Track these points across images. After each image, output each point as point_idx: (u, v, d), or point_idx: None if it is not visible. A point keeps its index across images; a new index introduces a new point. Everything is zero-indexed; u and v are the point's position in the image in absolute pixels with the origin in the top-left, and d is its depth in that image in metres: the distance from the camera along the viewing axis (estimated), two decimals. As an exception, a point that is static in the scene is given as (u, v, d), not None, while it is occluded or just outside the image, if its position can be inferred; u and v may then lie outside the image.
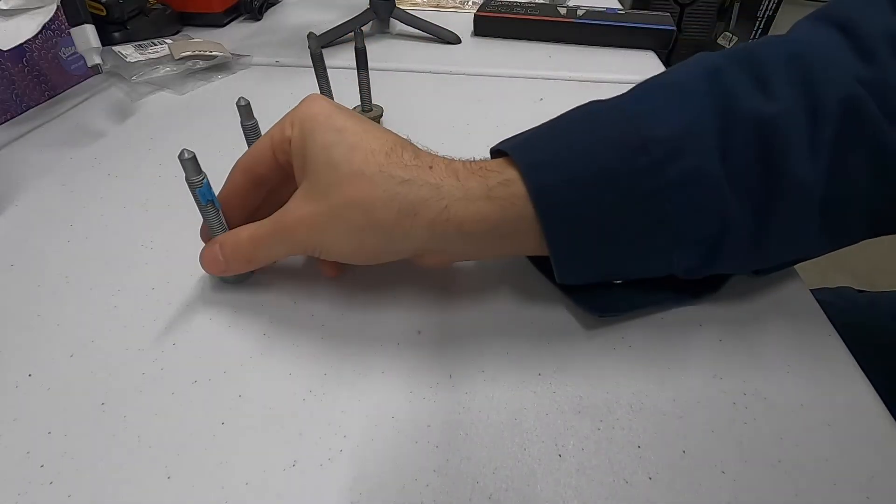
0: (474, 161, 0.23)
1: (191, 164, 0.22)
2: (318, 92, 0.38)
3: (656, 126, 0.21)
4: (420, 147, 0.24)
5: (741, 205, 0.21)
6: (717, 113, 0.21)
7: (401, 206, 0.21)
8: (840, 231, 0.23)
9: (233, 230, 0.25)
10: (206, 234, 0.26)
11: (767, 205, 0.21)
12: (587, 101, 0.24)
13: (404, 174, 0.21)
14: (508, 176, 0.22)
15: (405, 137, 0.24)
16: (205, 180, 0.23)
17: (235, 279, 0.27)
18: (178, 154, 0.22)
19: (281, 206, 0.24)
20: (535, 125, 0.24)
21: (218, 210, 0.24)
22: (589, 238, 0.22)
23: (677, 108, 0.22)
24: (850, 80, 0.21)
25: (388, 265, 0.27)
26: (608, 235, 0.22)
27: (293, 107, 0.24)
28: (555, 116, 0.24)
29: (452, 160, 0.23)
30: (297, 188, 0.23)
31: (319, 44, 0.36)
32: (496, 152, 0.24)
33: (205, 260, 0.25)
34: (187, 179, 0.23)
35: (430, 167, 0.22)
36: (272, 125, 0.25)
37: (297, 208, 0.23)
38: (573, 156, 0.21)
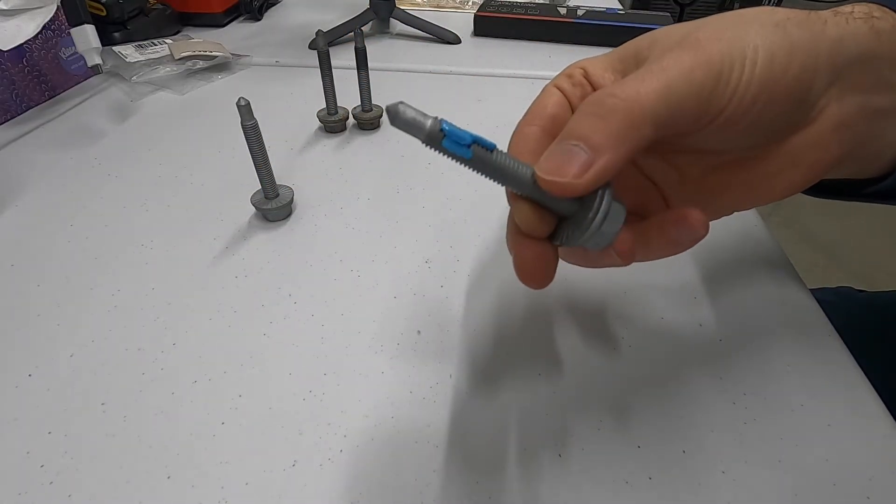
0: None
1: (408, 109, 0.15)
2: (322, 90, 0.38)
3: None
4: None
5: None
6: None
7: (795, 11, 0.17)
8: None
9: (584, 102, 0.16)
10: (513, 194, 0.17)
11: None
12: None
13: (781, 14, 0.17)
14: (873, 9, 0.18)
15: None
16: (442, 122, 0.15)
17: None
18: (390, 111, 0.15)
19: None
20: None
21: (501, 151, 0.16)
22: None
23: None
24: None
25: (394, 266, 0.27)
26: None
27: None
28: None
29: None
30: None
31: (327, 41, 0.36)
32: None
33: (549, 170, 0.15)
34: (424, 123, 0.15)
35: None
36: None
37: (678, 56, 0.16)
38: None
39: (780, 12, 0.17)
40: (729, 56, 0.16)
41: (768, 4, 1.81)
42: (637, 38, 0.19)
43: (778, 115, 0.17)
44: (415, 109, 0.15)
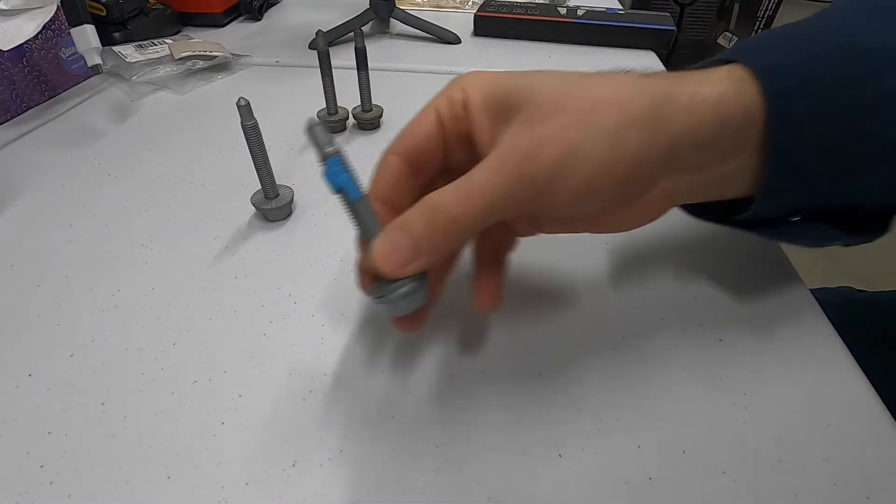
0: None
1: (321, 131, 0.18)
2: (322, 89, 0.38)
3: (870, 38, 0.19)
4: None
5: None
6: None
7: (653, 96, 0.19)
8: None
9: (418, 203, 0.18)
10: (362, 242, 0.20)
11: None
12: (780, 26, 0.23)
13: (641, 76, 0.20)
14: (739, 75, 0.20)
15: None
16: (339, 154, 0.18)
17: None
18: (306, 126, 0.18)
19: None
20: None
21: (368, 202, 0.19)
22: (810, 149, 0.20)
23: (886, 23, 0.20)
24: None
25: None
26: (826, 148, 0.20)
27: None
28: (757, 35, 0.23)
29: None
30: (458, 174, 0.19)
31: (327, 41, 0.36)
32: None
33: (381, 253, 0.18)
34: (321, 152, 0.18)
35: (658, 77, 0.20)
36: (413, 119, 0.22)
37: (525, 136, 0.18)
38: (804, 60, 0.20)
39: (630, 108, 0.19)
40: (558, 166, 0.18)
41: (767, 6, 1.81)
42: (519, 80, 0.20)
43: (606, 201, 0.20)
44: (328, 136, 0.18)
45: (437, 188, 0.19)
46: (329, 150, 0.18)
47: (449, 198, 0.18)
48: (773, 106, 0.19)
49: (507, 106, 0.20)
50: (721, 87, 0.19)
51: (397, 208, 0.20)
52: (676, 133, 0.19)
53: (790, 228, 0.23)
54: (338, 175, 0.18)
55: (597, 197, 0.19)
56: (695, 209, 0.25)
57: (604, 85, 0.19)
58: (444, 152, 0.22)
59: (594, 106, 0.19)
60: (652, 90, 0.19)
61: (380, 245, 0.18)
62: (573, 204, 0.19)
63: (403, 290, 0.19)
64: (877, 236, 0.23)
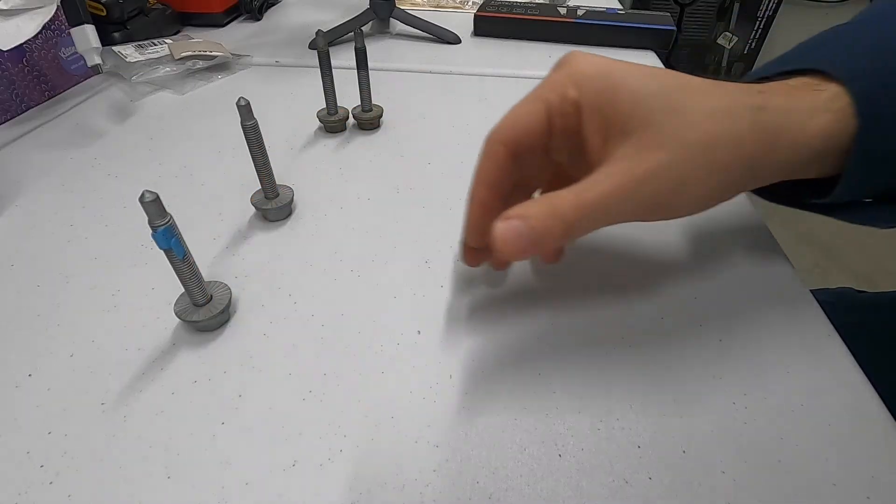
0: (783, 81, 0.22)
1: (154, 206, 0.21)
2: (322, 90, 0.38)
3: None
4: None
5: None
6: None
7: (763, 134, 0.20)
8: None
9: (538, 199, 0.20)
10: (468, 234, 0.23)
11: None
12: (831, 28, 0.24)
13: (756, 101, 0.20)
14: (832, 90, 0.21)
15: None
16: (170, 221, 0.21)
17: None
18: (140, 198, 0.20)
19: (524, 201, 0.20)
20: None
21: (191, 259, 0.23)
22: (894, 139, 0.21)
23: None
24: None
25: (394, 266, 0.27)
26: None
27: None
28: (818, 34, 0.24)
29: (766, 83, 0.22)
30: (557, 167, 0.22)
31: (327, 41, 0.36)
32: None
33: (504, 239, 0.19)
34: (152, 223, 0.21)
35: (760, 91, 0.21)
36: (531, 92, 0.22)
37: (641, 161, 0.19)
38: (882, 59, 0.21)
39: (745, 148, 0.20)
40: (672, 194, 0.20)
41: (767, 6, 1.81)
42: (633, 93, 0.20)
43: (703, 210, 0.22)
44: (157, 206, 0.21)
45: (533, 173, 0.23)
46: (159, 222, 0.21)
47: (568, 205, 0.19)
48: (864, 122, 0.20)
49: (620, 121, 0.20)
50: (824, 121, 0.20)
51: (500, 193, 0.22)
52: (779, 165, 0.21)
53: (865, 210, 0.24)
54: (168, 240, 0.21)
55: (699, 210, 0.22)
56: (765, 192, 0.26)
57: (719, 114, 0.20)
58: (547, 146, 0.22)
59: (712, 142, 0.19)
60: (764, 122, 0.20)
61: (505, 231, 0.19)
62: (676, 217, 0.21)
63: None
64: None
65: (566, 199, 0.19)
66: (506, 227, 0.19)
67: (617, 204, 0.20)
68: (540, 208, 0.19)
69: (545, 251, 0.21)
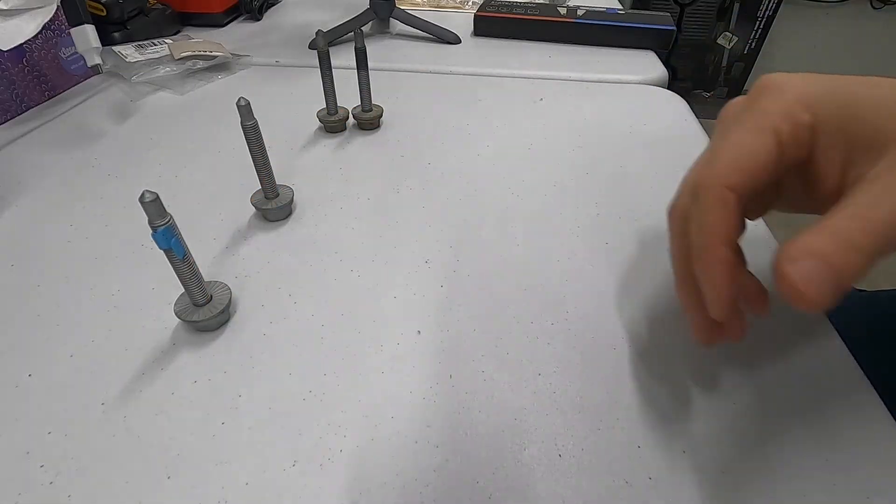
0: None
1: (154, 206, 0.21)
2: (322, 90, 0.38)
3: None
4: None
5: None
6: None
7: None
8: None
9: (810, 232, 0.17)
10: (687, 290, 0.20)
11: None
12: None
13: None
14: None
15: None
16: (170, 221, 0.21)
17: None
18: (140, 198, 0.20)
19: None
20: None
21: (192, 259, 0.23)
22: None
23: None
24: None
25: (394, 266, 0.27)
26: None
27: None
28: None
29: None
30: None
31: (327, 41, 0.36)
32: None
33: (804, 279, 0.16)
34: (152, 223, 0.21)
35: None
36: (744, 124, 0.19)
37: None
38: None
39: None
40: None
41: (767, 6, 1.81)
42: (870, 105, 0.18)
43: None
44: (157, 206, 0.21)
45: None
46: (159, 222, 0.21)
47: (857, 231, 0.16)
48: None
49: (867, 137, 0.18)
50: None
51: (734, 247, 0.19)
52: None
53: None
54: (168, 240, 0.21)
55: None
56: None
57: None
58: (783, 168, 0.19)
59: None
60: None
61: (798, 276, 0.16)
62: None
63: None
64: None
65: (849, 225, 0.16)
66: (805, 270, 0.16)
67: None
68: (828, 240, 0.16)
69: (844, 292, 0.17)
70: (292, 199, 0.32)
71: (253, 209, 0.32)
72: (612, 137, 0.40)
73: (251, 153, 0.29)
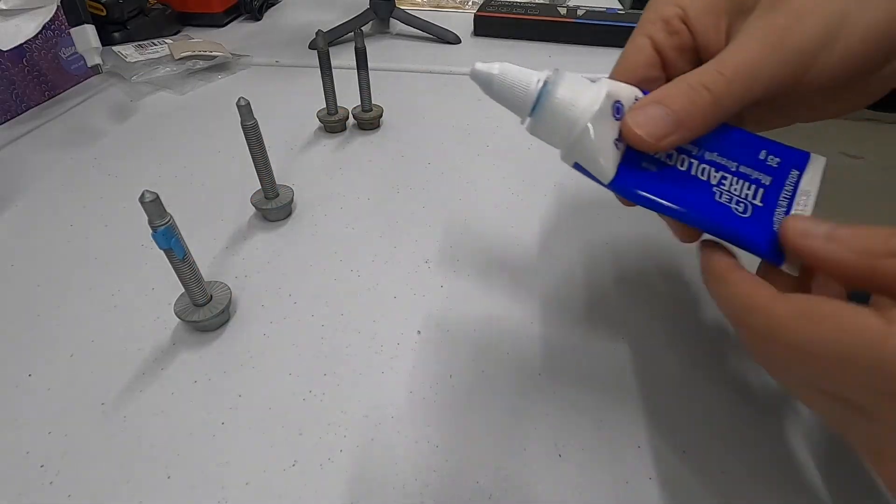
0: None
1: (154, 206, 0.21)
2: (322, 89, 0.38)
3: None
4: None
5: None
6: None
7: None
8: None
9: (673, 81, 0.18)
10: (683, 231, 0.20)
11: None
12: None
13: None
14: None
15: None
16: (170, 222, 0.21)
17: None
18: (140, 198, 0.21)
19: None
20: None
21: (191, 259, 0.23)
22: None
23: None
24: None
25: (394, 266, 0.27)
26: None
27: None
28: None
29: None
30: None
31: (327, 41, 0.36)
32: None
33: (638, 125, 0.18)
34: (152, 223, 0.21)
35: None
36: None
37: (782, 12, 0.17)
38: None
39: None
40: (826, 31, 0.17)
41: None
42: None
43: (867, 69, 0.18)
44: (157, 206, 0.21)
45: None
46: (159, 222, 0.21)
47: (708, 76, 0.17)
48: None
49: (735, 3, 0.19)
50: None
51: None
52: None
53: None
54: (168, 240, 0.21)
55: (863, 63, 0.18)
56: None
57: None
58: (666, 75, 0.20)
59: None
60: None
61: (637, 118, 0.18)
62: (838, 74, 0.18)
63: None
64: None
65: (706, 72, 0.17)
66: (639, 115, 0.18)
67: (766, 60, 0.17)
68: (679, 88, 0.17)
69: (694, 137, 0.18)
70: (292, 199, 0.32)
71: (253, 209, 0.32)
72: (612, 137, 0.40)
73: (251, 153, 0.29)
